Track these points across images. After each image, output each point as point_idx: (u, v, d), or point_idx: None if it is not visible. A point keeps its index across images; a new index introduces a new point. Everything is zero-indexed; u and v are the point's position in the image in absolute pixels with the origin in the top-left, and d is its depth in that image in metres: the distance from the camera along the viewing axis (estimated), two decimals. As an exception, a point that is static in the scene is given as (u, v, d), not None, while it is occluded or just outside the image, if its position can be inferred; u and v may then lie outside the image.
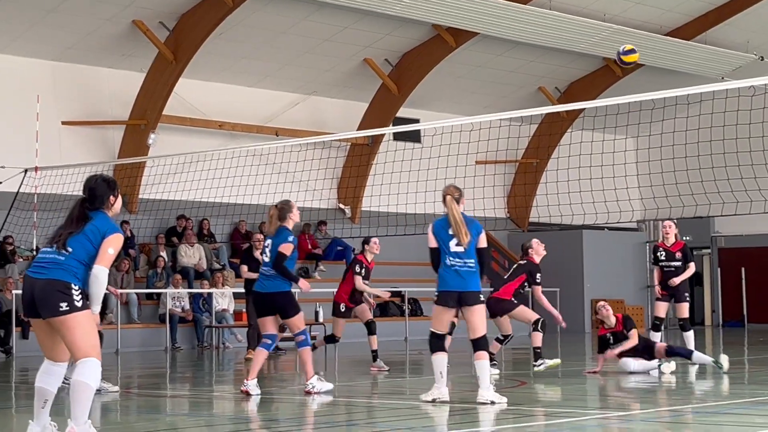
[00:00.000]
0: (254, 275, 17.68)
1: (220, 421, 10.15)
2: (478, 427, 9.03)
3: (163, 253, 23.83)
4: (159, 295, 22.85)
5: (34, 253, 21.43)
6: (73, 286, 7.34)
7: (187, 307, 22.70)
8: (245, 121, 26.07)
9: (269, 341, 11.62)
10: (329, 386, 11.72)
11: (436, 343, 10.58)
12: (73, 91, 23.91)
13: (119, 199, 7.85)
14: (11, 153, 18.94)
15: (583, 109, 26.31)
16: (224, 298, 22.98)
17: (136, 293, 22.57)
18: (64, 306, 7.28)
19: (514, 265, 15.11)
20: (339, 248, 26.94)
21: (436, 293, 10.56)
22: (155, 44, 23.31)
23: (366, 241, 15.78)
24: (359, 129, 26.83)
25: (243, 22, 23.62)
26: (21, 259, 22.02)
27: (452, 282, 10.40)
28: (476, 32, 25.69)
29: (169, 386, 14.34)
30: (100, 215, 7.67)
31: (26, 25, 22.28)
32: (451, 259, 10.40)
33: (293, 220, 11.63)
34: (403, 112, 27.73)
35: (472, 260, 10.38)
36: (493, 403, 10.11)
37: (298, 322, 11.53)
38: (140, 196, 24.33)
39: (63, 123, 23.61)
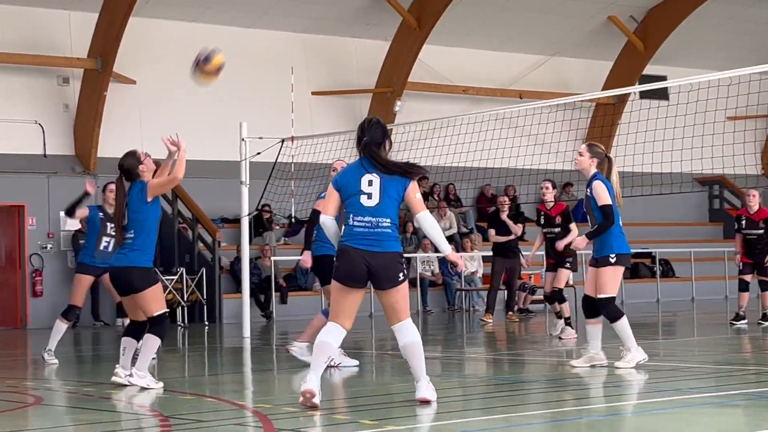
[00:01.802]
0: (502, 238, 17.79)
1: (471, 383, 10.28)
2: (750, 388, 8.80)
3: (414, 219, 24.17)
4: (409, 259, 23.26)
5: (293, 221, 22.22)
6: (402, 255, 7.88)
7: (437, 270, 23.02)
8: (489, 85, 26.10)
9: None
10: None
11: (616, 308, 10.34)
12: (321, 62, 24.55)
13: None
14: (268, 124, 19.56)
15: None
16: (473, 262, 23.17)
17: (387, 258, 23.00)
18: (401, 276, 7.77)
19: None
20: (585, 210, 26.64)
21: (613, 256, 10.30)
22: (399, 12, 23.62)
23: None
24: (604, 88, 26.39)
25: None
26: (278, 227, 22.88)
27: (627, 244, 10.49)
28: (725, -17, 24.80)
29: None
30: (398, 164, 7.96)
31: (276, 0, 22.99)
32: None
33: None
34: (649, 70, 27.09)
35: None
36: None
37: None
38: (389, 163, 24.73)
39: (313, 93, 24.28)
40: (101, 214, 12.34)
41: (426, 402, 7.81)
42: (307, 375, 7.73)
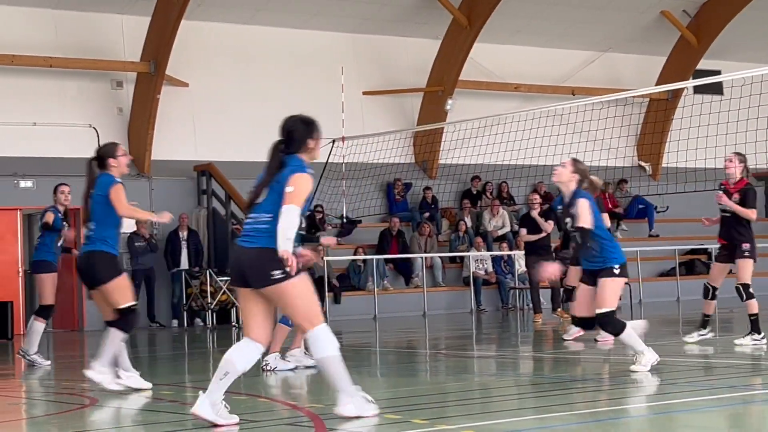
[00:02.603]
0: (534, 237, 17.62)
1: (527, 381, 10.23)
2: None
3: (466, 218, 24.15)
4: (462, 258, 23.22)
5: (345, 220, 22.26)
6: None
7: (490, 269, 22.95)
8: (540, 82, 25.98)
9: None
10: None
11: (618, 321, 9.82)
12: (372, 61, 24.57)
13: (319, 143, 7.37)
14: (320, 125, 19.69)
15: None
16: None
17: (440, 257, 23.03)
18: (277, 274, 6.92)
19: None
20: (641, 206, 26.44)
21: (617, 267, 9.93)
22: (449, 10, 23.59)
23: None
24: (657, 84, 26.17)
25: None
26: (330, 227, 22.93)
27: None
28: (780, -25, 24.49)
29: (476, 347, 14.57)
30: (295, 159, 7.18)
31: (325, 1, 23.04)
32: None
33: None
34: (703, 64, 26.83)
35: None
36: None
37: None
38: (440, 162, 24.75)
39: (364, 93, 24.30)
40: (59, 214, 12.92)
41: (351, 417, 7.24)
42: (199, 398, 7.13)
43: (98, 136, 21.30)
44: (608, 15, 25.59)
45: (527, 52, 26.12)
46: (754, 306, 12.39)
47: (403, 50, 24.85)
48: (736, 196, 12.45)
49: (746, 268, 12.34)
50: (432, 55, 24.53)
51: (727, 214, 12.50)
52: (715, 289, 12.68)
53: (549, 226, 17.46)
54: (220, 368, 7.17)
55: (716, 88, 26.11)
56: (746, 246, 12.28)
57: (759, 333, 12.28)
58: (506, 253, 23.23)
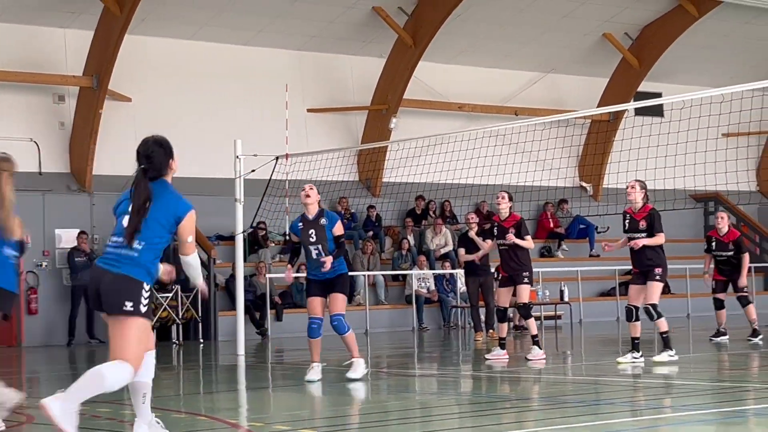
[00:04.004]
0: (472, 257, 17.76)
1: (467, 400, 10.26)
2: (744, 405, 8.79)
3: (409, 236, 24.21)
4: (405, 276, 23.26)
5: (287, 238, 22.21)
6: (144, 285, 6.87)
7: (433, 287, 23.01)
8: (484, 102, 26.14)
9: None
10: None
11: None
12: (317, 79, 24.58)
13: (176, 161, 7.24)
14: (263, 141, 19.58)
15: (837, 75, 25.05)
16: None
17: (383, 275, 23.05)
18: (129, 306, 6.81)
19: None
20: (582, 226, 26.67)
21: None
22: (395, 29, 23.68)
23: None
24: (599, 105, 26.45)
25: (480, 2, 23.66)
26: (273, 244, 22.86)
27: None
28: (719, 0, 24.86)
29: (417, 366, 14.59)
30: (164, 185, 7.12)
31: (271, 17, 23.03)
32: None
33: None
34: (644, 87, 27.15)
35: None
36: None
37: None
38: (384, 180, 24.79)
39: (308, 110, 24.30)
40: None
41: None
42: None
43: (39, 150, 21.09)
44: (552, 36, 25.83)
45: (471, 71, 26.28)
46: (663, 324, 12.95)
47: (348, 68, 24.89)
48: (642, 222, 12.93)
49: (655, 291, 12.85)
50: (377, 73, 24.60)
51: (636, 237, 13.01)
52: (636, 309, 13.02)
53: (487, 245, 17.53)
54: (136, 392, 7.11)
55: (657, 111, 26.44)
56: (658, 270, 12.82)
57: (671, 349, 12.96)
58: (448, 271, 23.30)
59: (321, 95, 24.60)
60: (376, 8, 23.40)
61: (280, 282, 22.21)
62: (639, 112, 25.60)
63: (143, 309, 6.82)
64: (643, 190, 13.07)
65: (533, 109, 26.12)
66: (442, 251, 24.10)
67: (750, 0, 24.64)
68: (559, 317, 22.52)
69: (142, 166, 7.06)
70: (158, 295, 20.07)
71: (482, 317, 18.85)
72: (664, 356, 12.83)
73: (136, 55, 21.90)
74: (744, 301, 16.31)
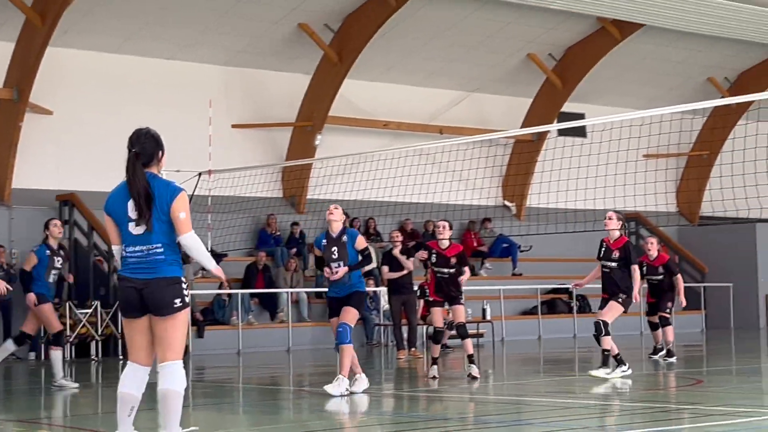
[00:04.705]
0: (395, 275, 17.82)
1: (389, 420, 10.23)
2: (657, 426, 8.87)
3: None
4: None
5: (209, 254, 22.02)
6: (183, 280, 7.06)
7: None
8: (410, 120, 26.21)
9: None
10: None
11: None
12: (242, 94, 24.47)
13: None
14: (186, 157, 19.44)
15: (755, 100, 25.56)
16: (392, 297, 23.14)
17: (306, 292, 22.96)
18: (177, 303, 6.98)
19: None
20: (504, 245, 26.84)
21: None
22: (320, 46, 23.67)
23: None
24: (523, 125, 26.69)
25: (406, 21, 23.77)
26: (194, 261, 22.63)
27: None
28: (641, 24, 25.24)
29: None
30: (153, 177, 7.11)
31: (197, 32, 22.90)
32: None
33: None
34: (567, 107, 27.45)
35: None
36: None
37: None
38: (308, 197, 24.73)
39: (233, 126, 24.17)
40: (48, 251, 13.56)
41: None
42: None
43: (-43, 162, 20.70)
44: (477, 56, 26.00)
45: (397, 89, 26.36)
46: (607, 342, 13.27)
47: (274, 84, 24.81)
48: (616, 253, 13.47)
49: (613, 309, 13.35)
50: (302, 90, 24.55)
51: (607, 270, 13.53)
52: (606, 324, 13.43)
53: (410, 264, 17.56)
54: (121, 405, 7.12)
55: (580, 132, 26.77)
56: (623, 295, 13.35)
57: (607, 366, 13.22)
58: (372, 289, 23.26)
59: (246, 111, 24.48)
60: (302, 25, 23.39)
61: (203, 298, 22.02)
62: (562, 132, 25.86)
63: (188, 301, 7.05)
64: (620, 221, 13.65)
65: (458, 128, 26.26)
66: (366, 269, 24.04)
67: (670, 23, 25.05)
68: (481, 336, 22.60)
69: (134, 150, 7.12)
70: (77, 311, 19.78)
71: (405, 335, 18.87)
72: (600, 372, 13.18)
73: (58, 68, 21.61)
74: (664, 322, 16.55)
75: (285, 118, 24.76)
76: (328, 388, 11.60)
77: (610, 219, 13.55)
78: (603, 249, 13.61)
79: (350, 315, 11.85)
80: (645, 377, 14.12)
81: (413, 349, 18.74)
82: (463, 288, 13.99)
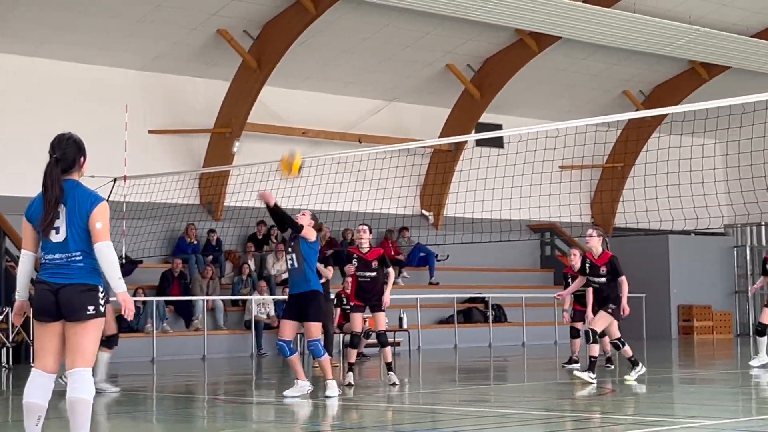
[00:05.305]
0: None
1: (303, 428, 10.21)
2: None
3: (250, 261, 24.05)
4: (244, 301, 23.07)
5: (123, 260, 21.79)
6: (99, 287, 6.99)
7: (272, 313, 22.87)
8: (328, 128, 26.21)
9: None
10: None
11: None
12: (159, 100, 24.25)
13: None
14: (101, 162, 19.13)
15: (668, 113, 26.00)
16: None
17: (222, 300, 22.81)
18: (90, 310, 6.91)
19: None
20: (422, 254, 26.95)
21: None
22: (239, 53, 23.56)
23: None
24: (442, 135, 26.82)
25: (326, 29, 23.76)
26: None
27: None
28: (559, 36, 25.54)
29: (255, 393, 14.46)
30: (74, 185, 7.03)
31: (114, 36, 22.65)
32: None
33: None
34: (485, 118, 27.65)
35: None
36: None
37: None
38: (226, 204, 24.59)
39: (150, 132, 23.95)
40: None
41: None
42: None
43: None
44: (395, 66, 26.09)
45: (317, 97, 26.34)
46: (595, 350, 13.81)
47: (192, 90, 24.63)
48: (603, 268, 13.92)
49: (602, 319, 13.81)
50: (221, 96, 24.41)
51: (596, 285, 14.03)
52: (594, 332, 13.81)
53: (329, 272, 17.54)
54: (28, 414, 7.00)
55: (497, 142, 27.01)
56: (612, 306, 13.77)
57: (594, 372, 13.74)
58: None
59: (164, 117, 24.28)
60: (221, 31, 23.26)
61: (116, 305, 21.73)
62: (480, 142, 26.05)
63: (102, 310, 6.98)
64: (600, 237, 14.06)
65: (377, 137, 26.32)
66: (283, 277, 23.98)
67: (586, 37, 25.38)
68: (397, 344, 22.66)
69: (54, 156, 7.01)
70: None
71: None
72: (585, 376, 13.62)
73: (-30, 70, 21.24)
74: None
75: (203, 125, 24.60)
76: (329, 393, 12.29)
77: (591, 236, 14.01)
78: (588, 265, 14.05)
79: (313, 330, 12.52)
80: (557, 386, 14.28)
81: (330, 357, 18.69)
82: (388, 298, 13.95)
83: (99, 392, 12.64)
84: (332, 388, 12.37)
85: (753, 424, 9.56)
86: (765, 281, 16.87)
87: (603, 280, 13.84)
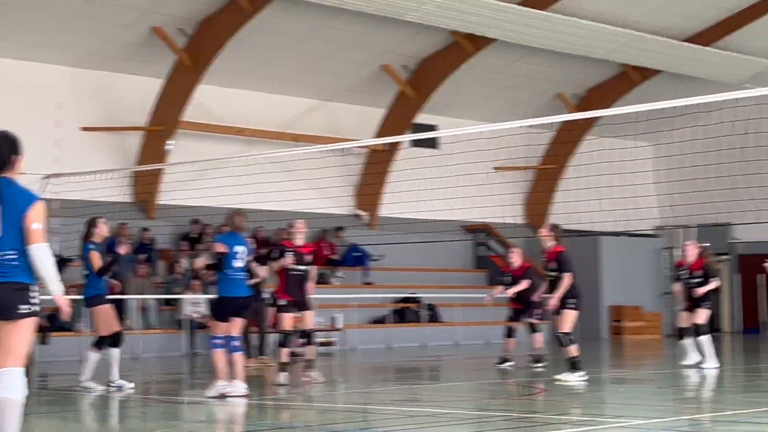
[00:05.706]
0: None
1: (237, 428, 10.19)
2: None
3: (184, 260, 23.90)
4: (177, 300, 22.93)
5: (56, 259, 21.54)
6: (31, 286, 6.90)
7: (205, 312, 22.74)
8: (264, 127, 26.11)
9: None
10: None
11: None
12: (92, 97, 24.00)
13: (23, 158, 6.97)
14: (32, 159, 18.94)
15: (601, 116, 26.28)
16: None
17: (155, 298, 22.66)
18: (22, 309, 6.84)
19: None
20: (356, 254, 26.98)
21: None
22: (174, 50, 23.41)
23: None
24: (377, 135, 26.86)
25: (261, 28, 23.68)
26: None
27: None
28: (494, 38, 25.70)
29: (187, 392, 14.38)
30: (8, 183, 6.89)
31: (46, 32, 22.39)
32: None
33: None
34: (420, 118, 27.72)
35: None
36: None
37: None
38: (159, 202, 24.41)
39: (83, 129, 23.71)
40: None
41: None
42: None
43: None
44: (331, 65, 26.07)
45: (252, 96, 26.21)
46: (573, 351, 13.93)
47: (126, 87, 24.40)
48: (552, 264, 14.09)
49: (567, 319, 13.97)
50: (155, 94, 24.23)
51: (551, 278, 14.17)
52: (567, 334, 14.00)
53: (263, 271, 17.48)
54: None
55: (432, 143, 27.12)
56: (572, 300, 13.92)
57: (581, 371, 13.90)
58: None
59: (96, 114, 24.03)
60: (155, 28, 23.08)
61: (48, 304, 21.48)
62: (415, 143, 26.12)
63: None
64: (552, 232, 14.22)
65: (312, 136, 26.27)
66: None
67: (521, 39, 25.58)
68: (331, 344, 22.67)
69: None
70: None
71: (254, 343, 18.79)
72: (570, 377, 13.77)
73: None
74: (534, 329, 17.17)
75: (137, 122, 24.40)
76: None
77: (544, 231, 14.34)
78: (543, 260, 14.41)
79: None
80: (489, 386, 14.38)
81: (261, 356, 18.67)
82: (313, 296, 14.11)
83: (118, 388, 13.24)
84: (230, 388, 12.24)
85: (681, 424, 9.71)
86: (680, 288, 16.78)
87: (553, 274, 14.04)
